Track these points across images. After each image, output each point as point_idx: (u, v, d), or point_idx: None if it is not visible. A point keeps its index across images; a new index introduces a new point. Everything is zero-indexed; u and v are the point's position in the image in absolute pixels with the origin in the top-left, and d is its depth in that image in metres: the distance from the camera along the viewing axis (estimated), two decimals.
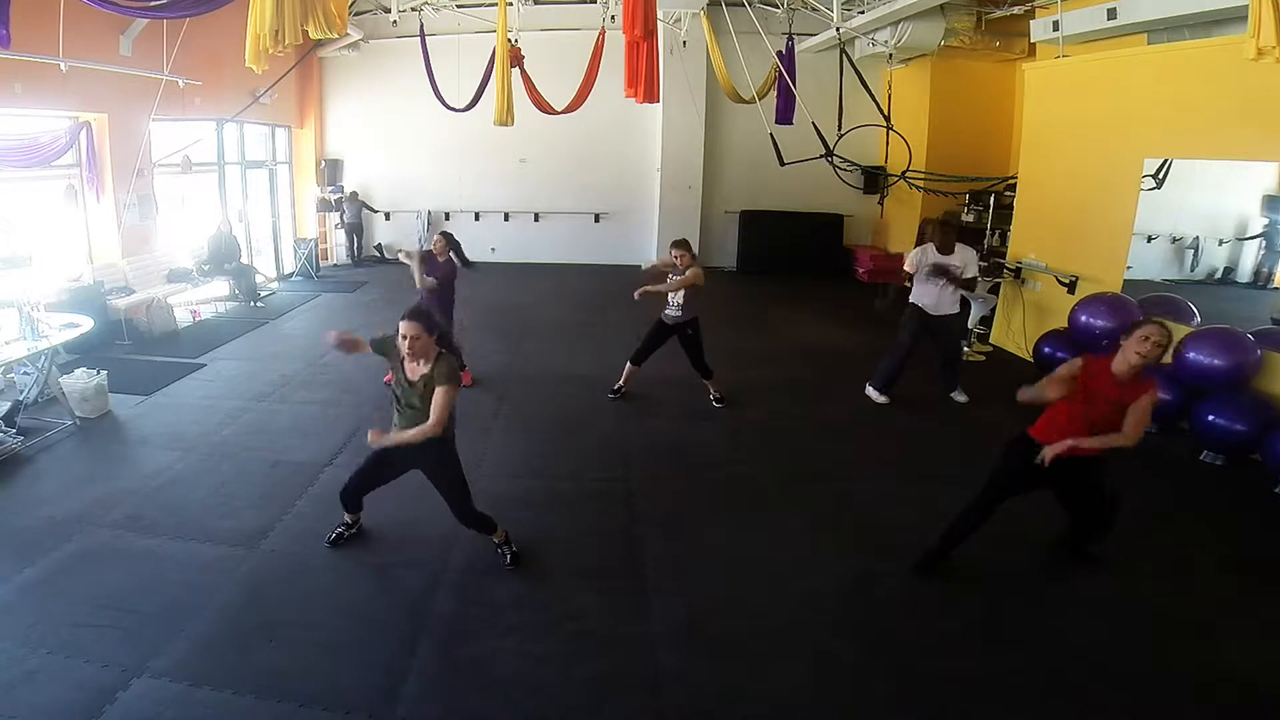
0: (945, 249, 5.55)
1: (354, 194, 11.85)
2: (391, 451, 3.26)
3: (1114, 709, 2.67)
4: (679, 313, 5.50)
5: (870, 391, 5.99)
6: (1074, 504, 3.43)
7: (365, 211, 12.01)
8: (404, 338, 3.10)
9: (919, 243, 10.36)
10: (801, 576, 3.48)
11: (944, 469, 4.63)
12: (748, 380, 6.37)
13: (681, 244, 5.44)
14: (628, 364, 5.79)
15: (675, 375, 5.96)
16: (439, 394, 3.12)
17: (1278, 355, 4.85)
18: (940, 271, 5.45)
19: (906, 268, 5.73)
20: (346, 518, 3.67)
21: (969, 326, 7.23)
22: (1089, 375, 3.07)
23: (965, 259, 5.58)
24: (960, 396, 5.95)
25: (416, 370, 3.20)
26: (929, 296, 5.65)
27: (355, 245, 11.99)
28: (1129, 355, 3.01)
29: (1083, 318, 5.90)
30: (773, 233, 11.69)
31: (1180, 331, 5.40)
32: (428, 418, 3.13)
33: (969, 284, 5.85)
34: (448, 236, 5.99)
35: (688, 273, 5.35)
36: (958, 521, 3.42)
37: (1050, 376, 3.12)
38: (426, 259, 5.86)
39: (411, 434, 3.14)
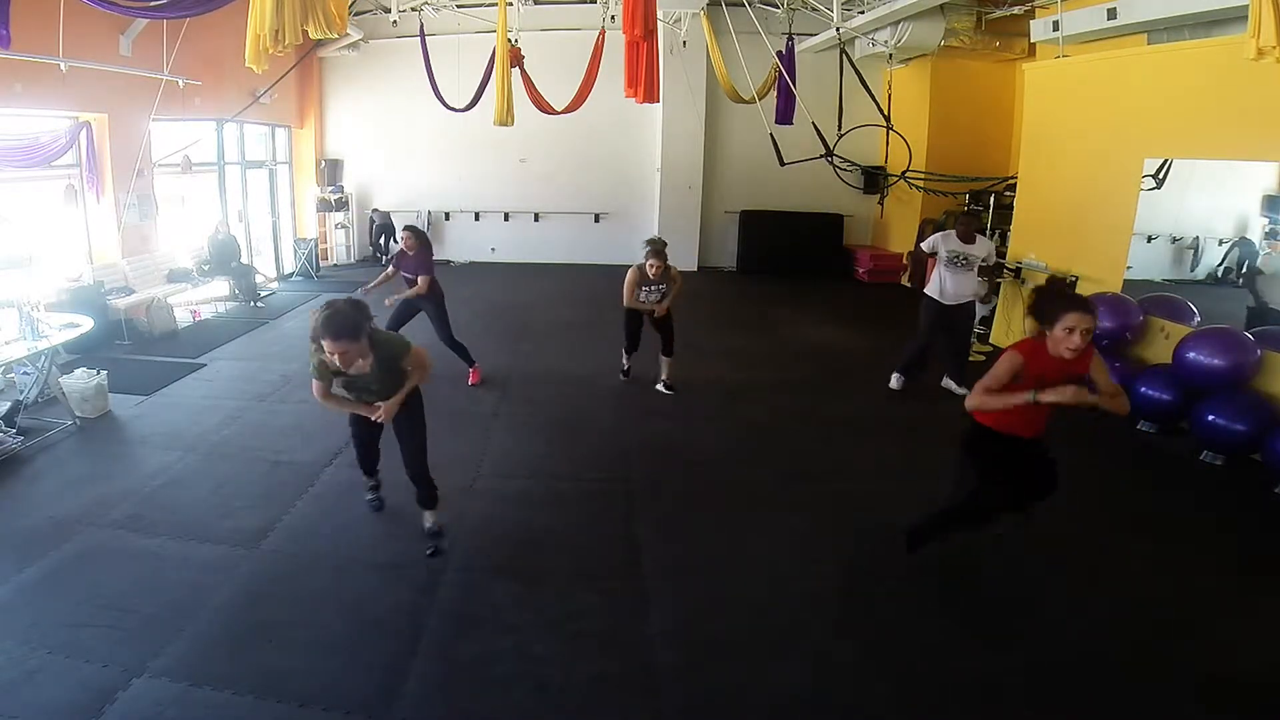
0: (967, 239, 5.65)
1: (380, 211, 12.01)
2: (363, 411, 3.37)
3: (1114, 709, 2.66)
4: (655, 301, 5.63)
5: (893, 377, 6.13)
6: (1036, 483, 3.23)
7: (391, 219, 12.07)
8: (332, 355, 3.03)
9: (919, 242, 10.41)
10: (801, 576, 3.48)
11: (944, 469, 4.61)
12: (748, 380, 6.38)
13: (660, 252, 5.45)
14: (625, 354, 6.03)
15: (675, 375, 5.96)
16: (412, 359, 3.29)
17: (1278, 355, 4.85)
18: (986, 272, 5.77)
19: (924, 246, 5.76)
20: (369, 481, 3.93)
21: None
22: (1035, 362, 2.87)
23: (988, 250, 5.76)
24: (959, 389, 5.94)
25: (366, 367, 3.22)
26: (948, 285, 5.68)
27: (385, 245, 12.01)
28: (1061, 351, 2.83)
29: None
30: (773, 233, 11.69)
31: (1180, 332, 5.41)
32: (393, 390, 3.29)
33: (996, 271, 6.05)
34: (413, 230, 5.93)
35: (676, 275, 5.57)
36: (955, 518, 3.34)
37: (997, 384, 2.91)
38: (400, 260, 5.85)
39: (398, 399, 3.30)
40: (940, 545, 3.52)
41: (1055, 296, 2.92)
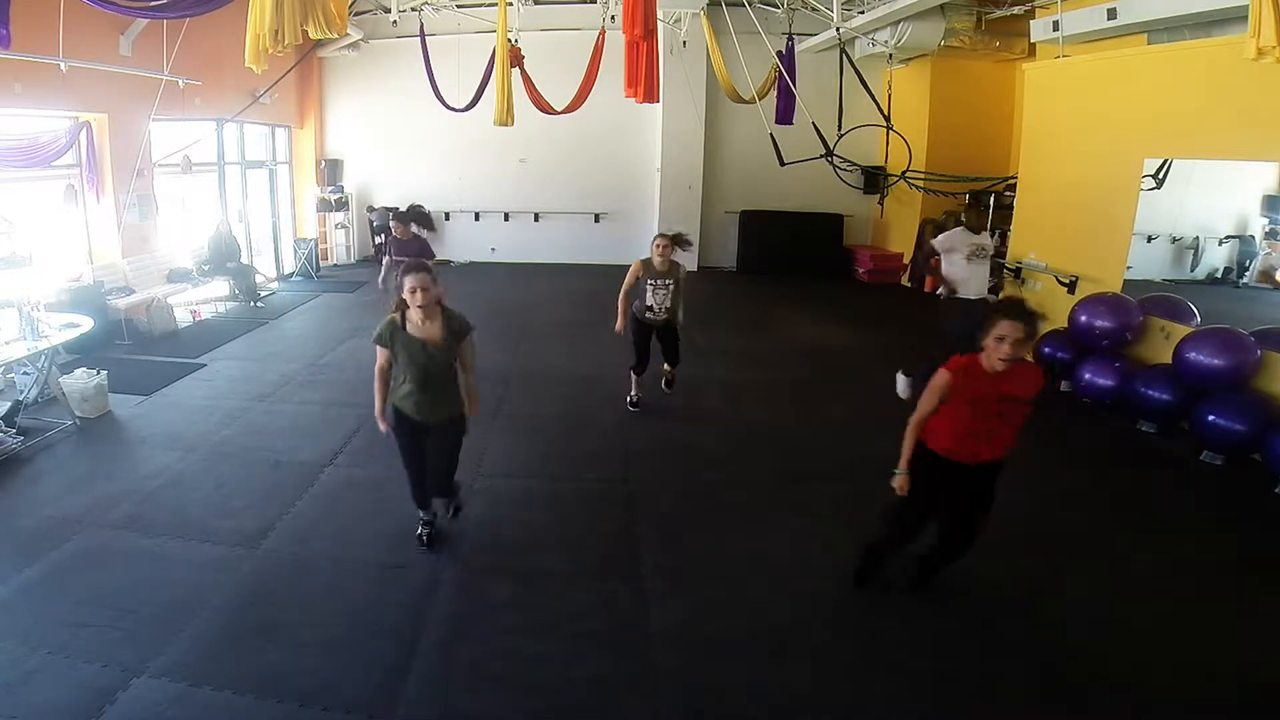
0: (978, 229, 5.44)
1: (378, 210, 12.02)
2: (413, 424, 3.39)
3: (1114, 709, 2.67)
4: (664, 315, 5.20)
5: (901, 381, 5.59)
6: (968, 517, 3.03)
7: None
8: (413, 291, 3.16)
9: (919, 244, 10.42)
10: (801, 576, 3.48)
11: None
12: (748, 380, 6.37)
13: (672, 236, 5.05)
14: (633, 375, 5.49)
15: (676, 375, 5.95)
16: (468, 346, 3.44)
17: (1278, 355, 4.85)
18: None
19: (938, 244, 5.44)
20: (422, 515, 3.68)
21: None
22: (966, 383, 2.76)
23: (991, 241, 5.62)
24: None
25: (435, 332, 3.30)
26: (973, 281, 5.38)
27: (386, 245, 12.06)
28: (993, 361, 2.71)
29: (1083, 318, 5.90)
30: (773, 233, 11.68)
31: (1180, 331, 5.41)
32: (454, 377, 3.41)
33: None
34: (403, 217, 6.25)
35: (683, 275, 5.15)
36: (880, 544, 3.23)
37: (923, 410, 2.91)
38: (395, 245, 6.03)
39: (476, 397, 3.57)
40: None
41: (996, 306, 2.81)
